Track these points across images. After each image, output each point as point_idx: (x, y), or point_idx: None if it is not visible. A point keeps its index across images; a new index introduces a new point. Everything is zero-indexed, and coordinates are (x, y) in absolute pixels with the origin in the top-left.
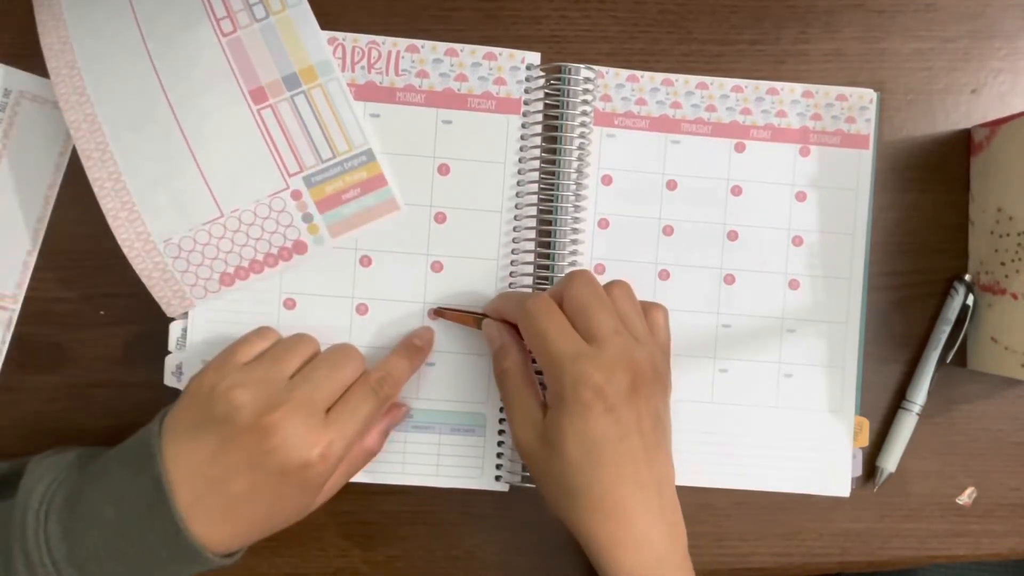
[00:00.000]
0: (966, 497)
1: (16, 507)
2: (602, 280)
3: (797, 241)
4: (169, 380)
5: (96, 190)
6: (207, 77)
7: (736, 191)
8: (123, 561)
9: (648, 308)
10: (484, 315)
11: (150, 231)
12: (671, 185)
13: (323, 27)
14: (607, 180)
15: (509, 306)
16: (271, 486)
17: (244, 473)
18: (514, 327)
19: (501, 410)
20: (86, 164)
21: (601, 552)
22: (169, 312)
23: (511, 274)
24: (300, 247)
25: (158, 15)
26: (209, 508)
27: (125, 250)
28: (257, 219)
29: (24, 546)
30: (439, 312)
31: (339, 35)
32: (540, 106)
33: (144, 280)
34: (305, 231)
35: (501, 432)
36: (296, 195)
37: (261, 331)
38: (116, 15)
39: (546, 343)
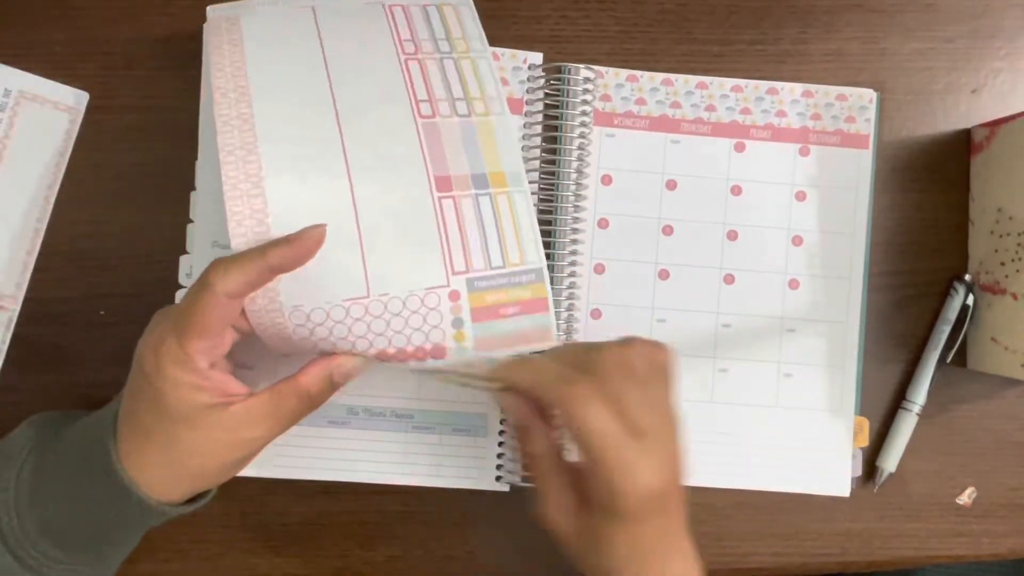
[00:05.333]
0: (966, 497)
1: None
2: (604, 277)
3: (797, 241)
4: None
5: (231, 227)
6: (398, 154)
7: (736, 191)
8: (76, 513)
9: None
10: (492, 379)
11: (278, 290)
12: (671, 185)
13: None
14: (607, 180)
15: (536, 382)
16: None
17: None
18: (534, 402)
19: (502, 411)
20: (224, 167)
21: None
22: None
23: None
24: (439, 351)
25: (353, 84)
26: (140, 452)
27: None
28: (405, 310)
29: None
30: (442, 377)
31: None
32: (540, 106)
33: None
34: (451, 337)
35: (502, 433)
36: (454, 296)
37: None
38: (314, 98)
39: (596, 446)
